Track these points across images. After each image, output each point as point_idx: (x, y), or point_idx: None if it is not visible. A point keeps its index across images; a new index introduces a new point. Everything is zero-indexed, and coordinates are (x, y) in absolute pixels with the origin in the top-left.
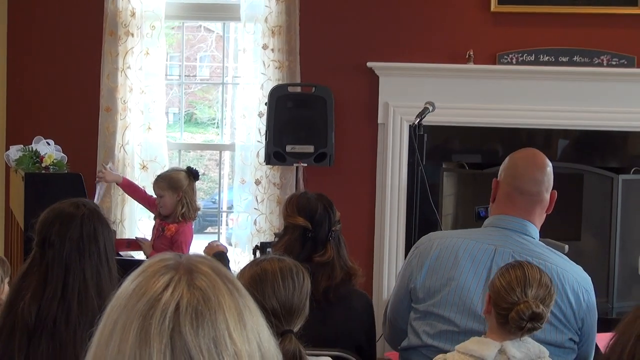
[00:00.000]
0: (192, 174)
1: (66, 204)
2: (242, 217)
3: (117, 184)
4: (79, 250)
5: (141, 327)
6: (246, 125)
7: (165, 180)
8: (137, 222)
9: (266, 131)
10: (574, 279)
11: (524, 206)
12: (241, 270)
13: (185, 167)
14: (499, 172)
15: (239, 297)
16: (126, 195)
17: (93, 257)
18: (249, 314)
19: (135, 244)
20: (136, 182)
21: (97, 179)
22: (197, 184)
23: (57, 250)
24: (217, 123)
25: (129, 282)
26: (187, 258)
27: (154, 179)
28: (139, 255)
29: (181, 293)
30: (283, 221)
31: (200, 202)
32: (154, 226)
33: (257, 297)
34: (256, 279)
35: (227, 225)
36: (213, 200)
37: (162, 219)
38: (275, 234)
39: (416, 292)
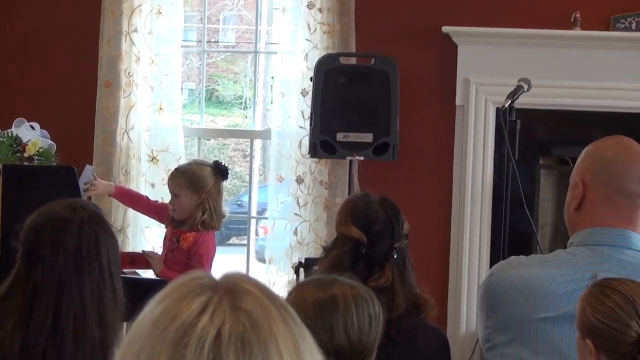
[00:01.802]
0: (220, 171)
1: (60, 206)
2: (278, 225)
3: (108, 195)
4: (76, 265)
5: (172, 359)
6: (285, 106)
7: (186, 176)
8: (144, 230)
9: (311, 114)
10: None
11: (629, 212)
12: (289, 295)
13: (211, 162)
14: (580, 171)
15: (294, 325)
16: None
17: (94, 275)
18: (307, 346)
19: (142, 259)
20: (142, 179)
21: (84, 191)
22: None
23: (47, 265)
24: (245, 103)
25: (153, 306)
26: (227, 276)
27: (169, 173)
28: (147, 274)
29: (223, 318)
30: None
31: (225, 207)
32: (165, 236)
33: (320, 332)
34: (323, 307)
35: (257, 234)
36: (239, 202)
37: (176, 226)
38: (324, 247)
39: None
